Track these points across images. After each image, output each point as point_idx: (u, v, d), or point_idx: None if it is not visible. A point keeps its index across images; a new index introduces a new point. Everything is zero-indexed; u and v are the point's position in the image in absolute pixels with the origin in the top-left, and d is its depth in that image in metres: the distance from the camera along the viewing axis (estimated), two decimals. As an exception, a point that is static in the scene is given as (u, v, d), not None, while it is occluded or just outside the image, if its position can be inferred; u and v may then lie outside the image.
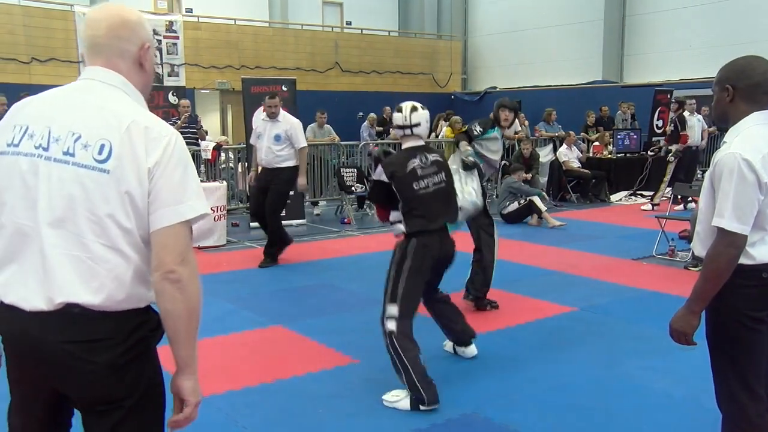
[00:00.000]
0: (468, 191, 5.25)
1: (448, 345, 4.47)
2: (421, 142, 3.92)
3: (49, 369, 1.72)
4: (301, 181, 7.00)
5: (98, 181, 1.65)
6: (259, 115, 7.09)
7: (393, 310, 3.65)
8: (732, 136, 2.32)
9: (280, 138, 6.83)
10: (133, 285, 1.72)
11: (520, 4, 21.05)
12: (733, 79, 2.36)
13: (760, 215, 2.26)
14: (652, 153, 11.70)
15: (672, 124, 10.63)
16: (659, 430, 3.33)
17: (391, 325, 3.63)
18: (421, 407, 3.54)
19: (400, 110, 3.93)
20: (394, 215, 3.82)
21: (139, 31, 1.83)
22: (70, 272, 1.66)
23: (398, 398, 3.64)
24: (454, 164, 5.43)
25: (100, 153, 1.66)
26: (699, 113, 11.94)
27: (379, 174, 3.80)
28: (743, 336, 2.33)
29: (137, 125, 1.69)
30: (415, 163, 3.77)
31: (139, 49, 1.82)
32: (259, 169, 7.17)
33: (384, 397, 3.69)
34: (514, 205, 9.49)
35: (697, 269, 6.55)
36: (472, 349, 4.35)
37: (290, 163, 6.91)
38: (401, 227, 3.77)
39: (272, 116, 6.88)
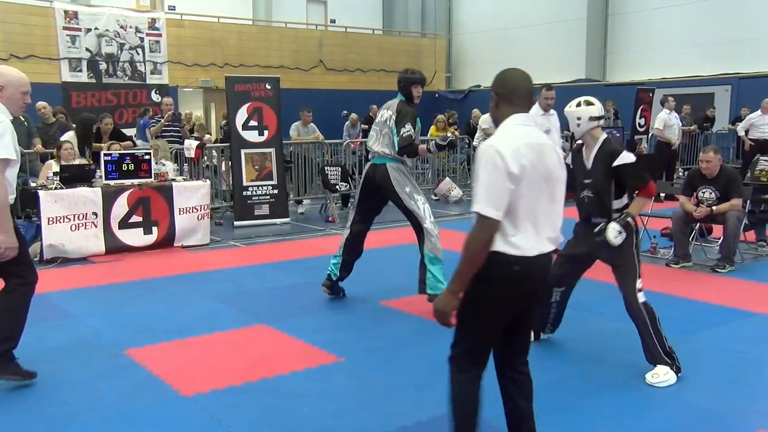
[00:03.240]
0: (432, 220, 5.33)
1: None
2: None
3: None
4: None
5: None
6: (538, 111, 7.01)
7: (640, 284, 4.05)
8: (496, 133, 2.59)
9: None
10: None
11: (504, 2, 21.13)
12: (496, 88, 2.66)
13: (518, 207, 2.46)
14: None
15: None
16: (642, 426, 3.36)
17: (643, 297, 4.03)
18: (678, 375, 3.89)
19: (591, 103, 4.19)
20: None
21: None
22: None
23: (666, 375, 3.87)
24: (407, 187, 5.37)
25: None
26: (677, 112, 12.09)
27: (630, 157, 4.08)
28: (486, 316, 2.58)
29: None
30: None
31: None
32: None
33: (651, 381, 3.86)
34: None
35: (678, 266, 6.62)
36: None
37: None
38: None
39: (548, 108, 6.93)
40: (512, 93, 2.61)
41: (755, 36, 16.26)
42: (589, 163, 4.17)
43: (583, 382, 3.91)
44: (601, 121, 4.20)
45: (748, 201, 6.85)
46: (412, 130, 5.22)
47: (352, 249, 5.59)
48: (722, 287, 5.92)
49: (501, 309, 2.59)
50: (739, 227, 6.54)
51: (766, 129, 12.46)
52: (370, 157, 5.63)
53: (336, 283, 5.66)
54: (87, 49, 11.30)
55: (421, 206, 5.32)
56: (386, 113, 5.37)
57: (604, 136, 4.18)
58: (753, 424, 3.33)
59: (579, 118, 4.15)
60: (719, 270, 6.44)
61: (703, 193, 6.63)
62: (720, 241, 6.73)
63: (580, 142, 4.30)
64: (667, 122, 11.46)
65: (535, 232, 2.53)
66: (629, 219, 4.03)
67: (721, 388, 3.77)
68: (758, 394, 3.71)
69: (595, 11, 19.09)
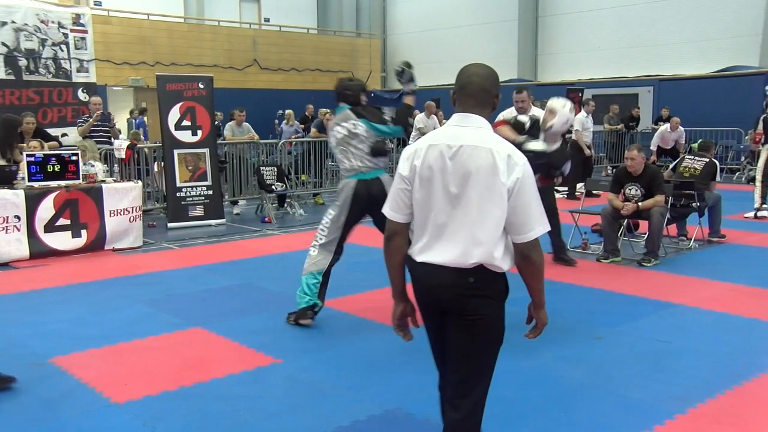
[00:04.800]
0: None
1: None
2: None
3: None
4: None
5: None
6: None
7: None
8: None
9: None
10: None
11: (438, 3, 21.39)
12: (455, 84, 2.46)
13: (415, 209, 2.42)
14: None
15: None
16: (571, 417, 3.46)
17: None
18: None
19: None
20: None
21: None
22: None
23: None
24: None
25: None
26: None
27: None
28: (425, 320, 2.58)
29: None
30: None
31: None
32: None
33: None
34: None
35: (608, 261, 6.86)
36: None
37: None
38: None
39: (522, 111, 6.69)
40: (460, 90, 2.41)
41: (673, 41, 17.05)
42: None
43: (513, 374, 3.99)
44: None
45: (671, 196, 7.16)
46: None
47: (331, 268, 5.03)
48: (647, 280, 6.17)
49: (423, 313, 2.56)
50: (663, 222, 6.82)
51: (671, 143, 13.79)
52: (345, 174, 4.95)
53: (320, 309, 5.00)
54: (3, 44, 10.77)
55: None
56: (346, 126, 4.91)
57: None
58: (671, 410, 3.48)
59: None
60: (645, 264, 6.70)
61: (630, 189, 6.89)
62: (646, 236, 7.01)
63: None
64: (584, 124, 11.73)
65: (427, 238, 2.40)
66: None
67: (643, 377, 3.93)
68: (676, 380, 3.88)
69: (526, 13, 19.57)
